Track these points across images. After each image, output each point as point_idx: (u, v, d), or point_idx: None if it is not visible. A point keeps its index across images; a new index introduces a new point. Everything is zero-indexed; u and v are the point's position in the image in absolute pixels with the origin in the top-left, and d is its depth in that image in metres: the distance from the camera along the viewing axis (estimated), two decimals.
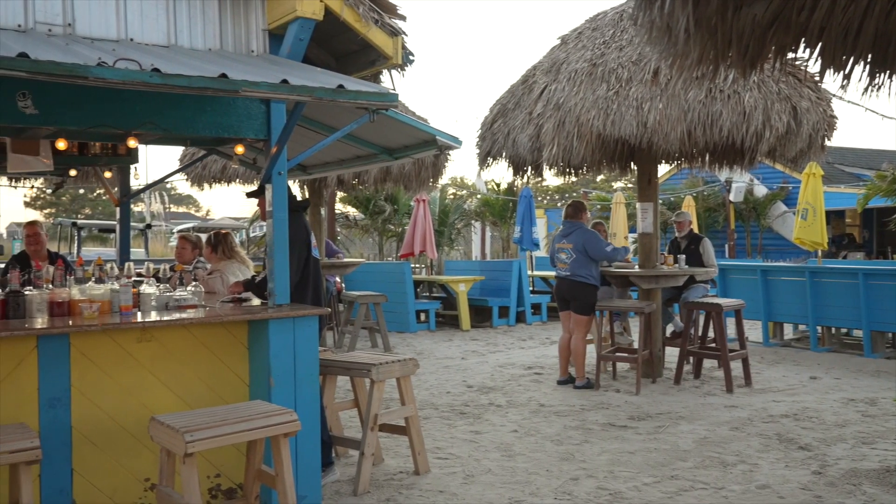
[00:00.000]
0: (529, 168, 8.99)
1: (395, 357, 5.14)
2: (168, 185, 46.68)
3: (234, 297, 5.05)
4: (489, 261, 21.62)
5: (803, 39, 3.76)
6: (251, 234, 25.01)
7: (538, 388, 8.02)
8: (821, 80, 4.57)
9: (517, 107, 8.79)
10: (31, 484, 3.30)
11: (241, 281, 5.29)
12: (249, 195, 5.05)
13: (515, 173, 9.14)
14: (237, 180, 11.60)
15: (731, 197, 21.80)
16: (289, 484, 3.68)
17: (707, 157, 9.08)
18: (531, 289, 14.84)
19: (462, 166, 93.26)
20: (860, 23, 3.54)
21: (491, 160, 9.08)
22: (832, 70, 3.85)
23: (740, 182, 21.39)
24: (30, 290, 4.18)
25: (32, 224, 6.70)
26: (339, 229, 20.50)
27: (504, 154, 8.86)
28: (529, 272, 15.13)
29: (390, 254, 21.99)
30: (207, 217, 50.36)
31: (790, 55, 4.08)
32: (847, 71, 3.83)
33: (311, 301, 4.97)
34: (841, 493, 4.69)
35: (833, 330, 10.67)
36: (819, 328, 10.49)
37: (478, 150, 9.25)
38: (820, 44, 3.74)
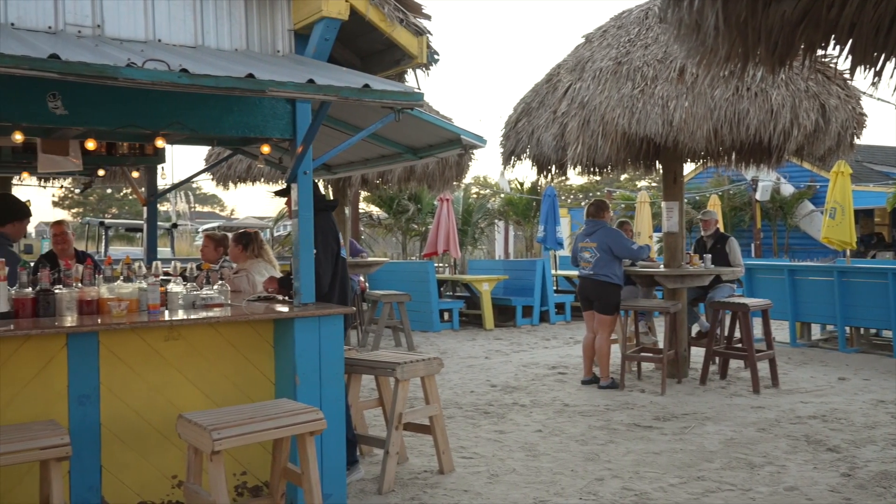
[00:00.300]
0: (553, 167, 8.94)
1: (420, 356, 5.15)
2: (193, 185, 47.08)
3: (259, 296, 5.08)
4: (513, 260, 21.59)
5: (833, 36, 3.70)
6: (276, 234, 25.16)
7: (562, 388, 7.99)
8: (851, 78, 4.49)
9: (541, 106, 8.76)
10: (61, 480, 3.34)
11: (277, 278, 5.32)
12: (277, 194, 5.08)
13: (539, 172, 9.10)
14: (262, 180, 11.68)
15: (758, 196, 21.57)
16: (314, 482, 3.70)
17: (734, 156, 8.99)
18: (555, 288, 14.78)
19: (486, 165, 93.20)
20: (892, 19, 3.48)
21: (515, 159, 9.06)
22: (863, 67, 3.79)
23: (767, 181, 21.14)
24: (59, 289, 4.23)
25: (59, 223, 6.77)
26: (362, 228, 20.56)
27: (528, 153, 8.83)
28: (553, 271, 15.09)
29: (414, 253, 22.02)
30: (232, 216, 50.73)
31: (819, 52, 4.02)
32: (878, 68, 3.77)
33: (337, 300, 4.98)
34: (871, 496, 4.63)
35: (862, 330, 10.52)
36: (847, 328, 10.35)
37: (502, 149, 9.23)
38: (850, 41, 3.68)
